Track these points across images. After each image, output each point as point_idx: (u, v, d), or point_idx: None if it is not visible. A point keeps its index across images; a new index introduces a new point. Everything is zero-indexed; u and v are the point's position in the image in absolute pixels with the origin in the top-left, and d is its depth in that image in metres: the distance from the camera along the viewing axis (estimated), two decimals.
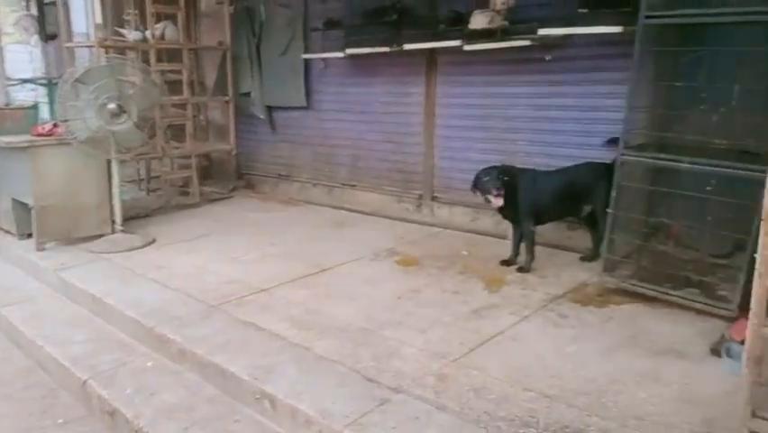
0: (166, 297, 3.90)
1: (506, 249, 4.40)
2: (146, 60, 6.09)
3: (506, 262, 4.33)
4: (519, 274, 4.14)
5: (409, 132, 5.80)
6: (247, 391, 2.85)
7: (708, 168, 3.27)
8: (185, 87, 6.52)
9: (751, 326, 2.14)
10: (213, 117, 7.78)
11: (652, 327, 3.28)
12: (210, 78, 7.48)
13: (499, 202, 4.05)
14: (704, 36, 3.59)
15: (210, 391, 3.02)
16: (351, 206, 6.28)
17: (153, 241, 5.15)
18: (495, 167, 4.17)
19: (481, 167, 4.26)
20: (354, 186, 6.41)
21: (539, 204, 4.16)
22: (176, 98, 6.55)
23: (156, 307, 3.72)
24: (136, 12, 6.40)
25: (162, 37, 6.35)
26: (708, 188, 3.35)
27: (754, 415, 2.19)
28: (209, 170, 7.77)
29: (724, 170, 3.21)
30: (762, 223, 2.10)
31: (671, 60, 3.69)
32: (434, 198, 5.74)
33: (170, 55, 6.70)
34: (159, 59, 6.42)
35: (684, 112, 3.71)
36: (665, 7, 3.36)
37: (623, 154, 3.56)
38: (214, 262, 4.55)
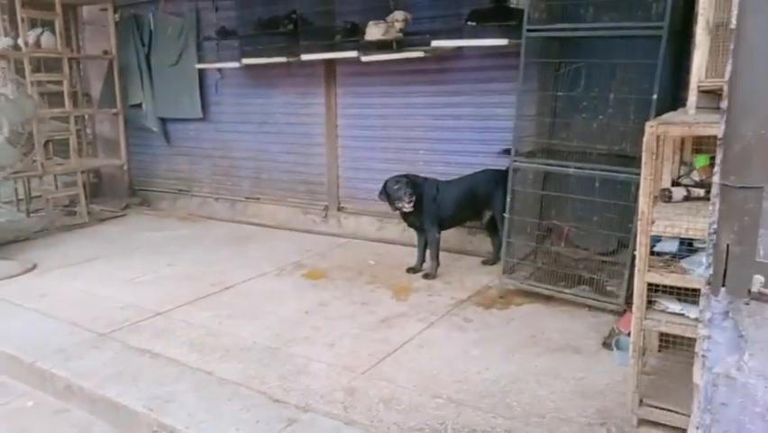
0: (48, 327, 3.56)
1: (412, 256, 4.45)
2: (20, 71, 5.58)
3: (412, 270, 4.38)
4: (425, 281, 4.21)
5: (312, 142, 5.74)
6: (143, 425, 2.65)
7: (591, 172, 3.50)
8: (66, 99, 6.04)
9: (634, 318, 2.29)
10: (101, 131, 7.28)
11: (549, 324, 3.44)
12: (96, 89, 7.00)
13: (410, 207, 4.11)
14: (581, 49, 3.86)
15: (101, 428, 2.78)
16: (255, 219, 6.10)
17: (34, 267, 4.70)
18: (404, 175, 4.24)
19: (385, 176, 4.31)
20: (258, 199, 6.24)
21: (443, 211, 4.27)
22: (57, 111, 6.05)
23: (37, 339, 3.38)
24: (5, 17, 5.85)
25: (38, 45, 5.85)
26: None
27: (641, 403, 2.34)
28: (99, 188, 7.26)
29: (605, 173, 3.45)
30: (639, 222, 2.26)
31: (553, 72, 3.92)
32: (340, 209, 5.71)
33: (49, 65, 6.19)
34: (36, 69, 5.90)
35: (568, 120, 3.96)
36: (545, 22, 3.58)
37: (515, 161, 3.73)
38: (104, 287, 4.22)
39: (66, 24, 6.21)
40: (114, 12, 6.46)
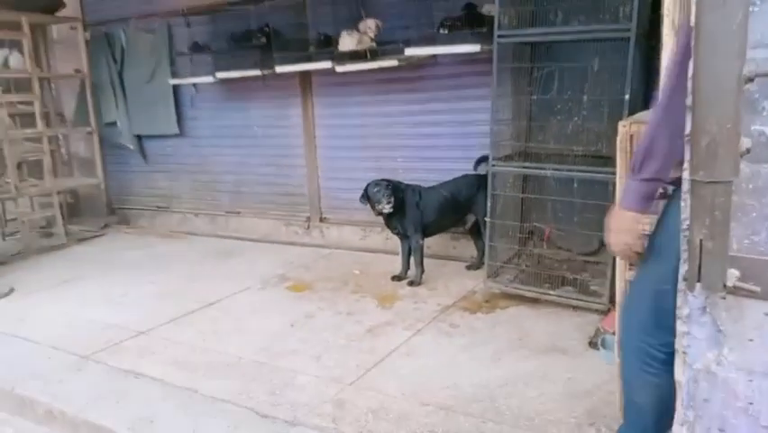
0: (28, 352, 3.49)
1: (397, 264, 4.45)
2: None
3: (397, 278, 4.38)
4: (410, 288, 4.20)
5: (292, 154, 5.72)
6: None
7: (568, 173, 3.54)
8: (38, 119, 5.94)
9: (617, 316, 2.31)
10: (76, 150, 7.18)
11: (535, 327, 3.45)
12: (69, 109, 6.90)
13: (390, 208, 4.11)
14: (553, 53, 3.91)
15: None
16: (237, 234, 6.05)
17: (11, 291, 4.60)
18: (385, 179, 4.26)
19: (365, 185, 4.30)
20: (239, 213, 6.20)
21: (425, 218, 4.28)
22: (29, 132, 5.95)
23: (15, 365, 3.30)
24: None
25: (6, 65, 5.75)
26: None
27: None
28: (77, 208, 7.14)
29: (582, 174, 3.49)
30: None
31: (526, 75, 3.97)
32: (322, 220, 5.69)
33: (19, 85, 6.09)
34: (5, 90, 5.80)
35: (544, 123, 4.01)
36: (516, 27, 3.62)
37: (493, 165, 3.76)
38: (85, 308, 4.15)
39: (35, 44, 6.12)
40: (85, 30, 6.39)
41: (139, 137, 6.60)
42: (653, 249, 1.75)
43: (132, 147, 6.59)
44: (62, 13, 6.35)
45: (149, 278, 4.78)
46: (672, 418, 1.79)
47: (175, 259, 5.35)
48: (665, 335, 1.70)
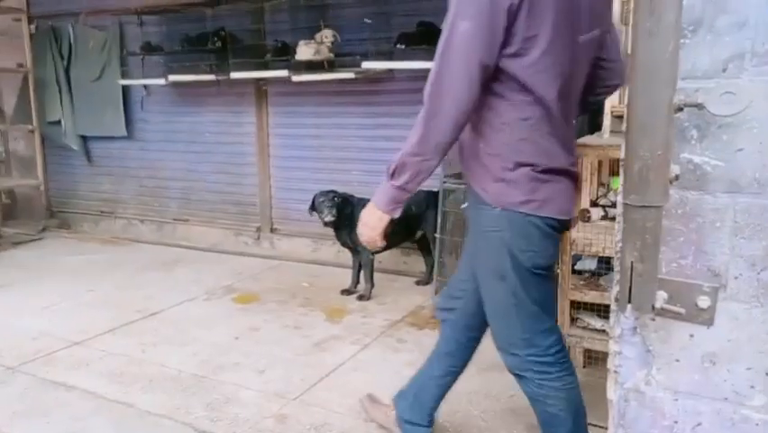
0: None
1: (347, 278, 4.42)
2: None
3: (347, 292, 4.35)
4: (360, 302, 4.18)
5: (244, 162, 5.64)
6: None
7: None
8: None
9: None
10: (15, 148, 6.85)
11: (481, 344, 3.46)
12: (9, 105, 6.60)
13: (332, 218, 4.10)
14: None
15: None
16: (184, 242, 5.89)
17: None
18: (332, 190, 4.24)
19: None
20: (187, 220, 6.04)
21: None
22: None
23: None
24: None
25: None
26: None
27: None
28: (13, 209, 6.81)
29: None
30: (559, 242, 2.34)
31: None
32: (273, 230, 5.61)
33: None
34: None
35: None
36: None
37: (444, 182, 3.80)
38: (16, 316, 3.93)
39: None
40: (30, 22, 6.14)
41: (84, 138, 6.37)
42: (480, 272, 1.88)
43: (75, 148, 6.35)
44: (5, 3, 6.08)
45: (88, 285, 4.58)
46: (585, 418, 1.87)
47: (117, 266, 5.15)
48: (543, 339, 1.79)
